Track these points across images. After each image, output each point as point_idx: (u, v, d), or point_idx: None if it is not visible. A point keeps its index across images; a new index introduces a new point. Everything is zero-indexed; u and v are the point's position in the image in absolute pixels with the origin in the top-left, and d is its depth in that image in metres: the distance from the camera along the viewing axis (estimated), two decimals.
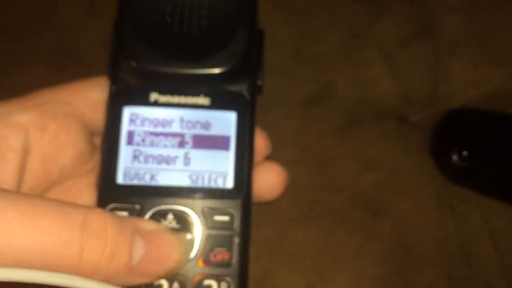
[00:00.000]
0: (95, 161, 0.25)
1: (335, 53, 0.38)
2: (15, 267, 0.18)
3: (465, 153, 0.32)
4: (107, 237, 0.19)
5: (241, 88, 0.24)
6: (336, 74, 0.37)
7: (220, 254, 0.22)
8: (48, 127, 0.23)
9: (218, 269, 0.22)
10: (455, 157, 0.32)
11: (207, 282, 0.22)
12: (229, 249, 0.22)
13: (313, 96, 0.36)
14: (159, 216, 0.22)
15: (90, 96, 0.25)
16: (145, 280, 0.20)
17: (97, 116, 0.25)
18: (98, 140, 0.25)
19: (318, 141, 0.34)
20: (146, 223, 0.21)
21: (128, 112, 0.23)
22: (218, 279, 0.22)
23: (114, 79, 0.24)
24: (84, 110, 0.24)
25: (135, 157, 0.23)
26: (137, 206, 0.22)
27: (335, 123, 0.35)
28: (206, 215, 0.22)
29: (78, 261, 0.18)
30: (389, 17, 0.39)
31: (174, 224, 0.22)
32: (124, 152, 0.23)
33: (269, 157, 0.33)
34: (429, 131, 0.36)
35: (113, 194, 0.22)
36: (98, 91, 0.25)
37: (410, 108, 0.38)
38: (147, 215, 0.22)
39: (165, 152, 0.23)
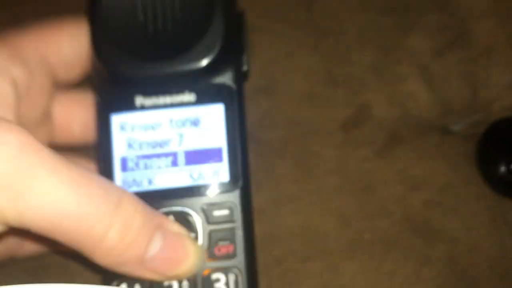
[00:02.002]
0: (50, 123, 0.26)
1: (367, 72, 0.38)
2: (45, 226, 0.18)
3: None
4: (132, 225, 0.20)
5: (225, 78, 0.23)
6: (371, 94, 0.37)
7: (225, 248, 0.23)
8: (30, 84, 0.24)
9: (224, 262, 0.23)
10: (503, 169, 0.31)
11: (215, 276, 0.23)
12: (232, 241, 0.23)
13: (350, 119, 0.36)
14: None
15: (64, 51, 0.25)
16: (153, 276, 0.21)
17: (67, 74, 0.25)
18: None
19: (359, 166, 0.34)
20: (170, 223, 0.22)
21: (117, 120, 0.23)
22: (226, 271, 0.23)
23: (98, 88, 0.24)
24: (58, 68, 0.25)
25: (131, 164, 0.23)
26: None
27: (375, 144, 0.35)
28: (206, 211, 0.23)
29: (102, 237, 0.19)
30: (419, 28, 0.39)
31: None
32: (119, 162, 0.23)
33: (311, 187, 0.34)
34: (474, 141, 0.35)
35: None
36: (72, 44, 0.25)
37: (452, 119, 0.37)
38: None
39: (158, 158, 0.23)
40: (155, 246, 0.20)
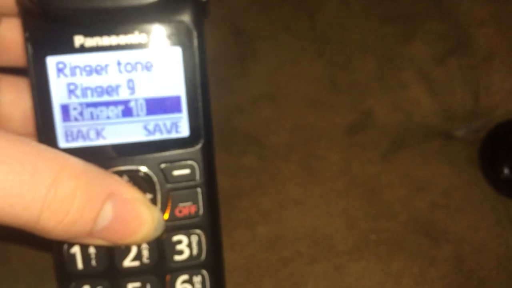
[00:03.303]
0: None
1: (370, 79, 0.38)
2: None
3: None
4: (72, 205, 0.18)
5: (182, 15, 0.20)
6: (375, 100, 0.37)
7: (186, 209, 0.21)
8: None
9: (186, 223, 0.21)
10: (506, 171, 0.32)
11: (176, 237, 0.21)
12: (195, 202, 0.21)
13: (354, 124, 0.36)
14: None
15: None
16: (103, 243, 0.20)
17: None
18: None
19: (364, 169, 0.34)
20: (124, 188, 0.19)
21: (53, 61, 0.20)
22: (188, 233, 0.21)
23: (26, 23, 0.20)
24: None
25: (74, 113, 0.20)
26: None
27: (380, 149, 0.35)
28: (165, 171, 0.21)
29: (34, 224, 0.17)
30: (420, 36, 0.39)
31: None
32: (59, 110, 0.20)
33: (316, 191, 0.34)
34: (477, 146, 0.35)
35: None
36: None
37: (454, 124, 0.37)
38: None
39: (107, 107, 0.20)
40: (105, 218, 0.18)
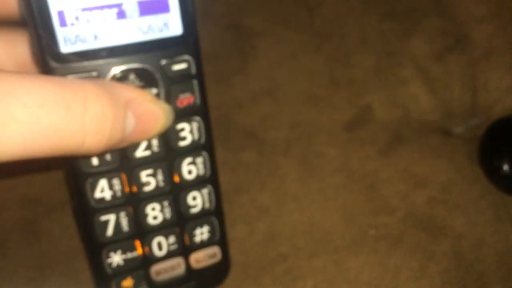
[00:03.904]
0: None
1: (370, 74, 0.38)
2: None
3: None
4: (106, 124, 0.20)
5: None
6: (373, 96, 0.37)
7: (186, 99, 0.24)
8: None
9: (186, 112, 0.24)
10: (506, 167, 0.32)
11: (179, 126, 0.24)
12: (192, 92, 0.24)
13: (353, 120, 0.36)
14: (120, 78, 0.22)
15: None
16: (129, 144, 0.22)
17: None
18: None
19: (363, 165, 0.34)
20: (135, 94, 0.22)
21: None
22: (189, 120, 0.24)
23: None
24: None
25: (70, 18, 0.21)
26: (94, 73, 0.22)
27: (378, 144, 0.35)
28: (165, 67, 0.23)
29: (80, 147, 0.20)
30: (419, 32, 0.39)
31: (137, 83, 0.22)
32: (56, 16, 0.21)
33: (315, 186, 0.34)
34: (476, 142, 0.35)
35: (64, 66, 0.21)
36: None
37: (453, 121, 0.37)
38: (107, 79, 0.22)
39: (101, 10, 0.21)
40: (129, 126, 0.21)
